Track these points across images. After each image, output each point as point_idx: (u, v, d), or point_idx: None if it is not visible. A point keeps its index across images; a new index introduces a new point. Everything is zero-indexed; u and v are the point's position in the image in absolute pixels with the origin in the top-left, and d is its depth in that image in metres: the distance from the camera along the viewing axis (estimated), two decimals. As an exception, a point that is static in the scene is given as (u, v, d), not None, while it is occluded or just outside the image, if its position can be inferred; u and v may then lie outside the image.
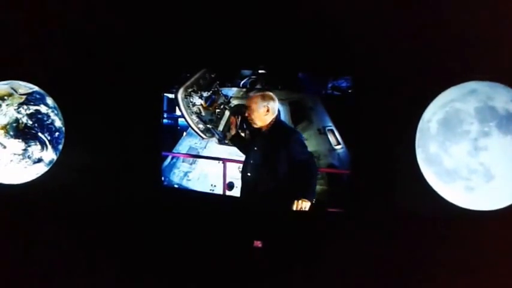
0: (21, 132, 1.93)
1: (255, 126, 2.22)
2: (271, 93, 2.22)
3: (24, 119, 1.94)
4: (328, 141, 2.31)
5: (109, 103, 2.27)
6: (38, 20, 2.14)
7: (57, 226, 2.22)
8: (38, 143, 1.97)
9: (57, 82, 2.14)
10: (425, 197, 1.93)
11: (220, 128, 2.38)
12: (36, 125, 1.96)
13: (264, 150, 2.22)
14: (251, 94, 2.25)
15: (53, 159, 2.05)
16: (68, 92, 2.16)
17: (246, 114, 2.22)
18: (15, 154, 1.94)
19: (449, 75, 1.87)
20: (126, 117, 2.31)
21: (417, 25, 2.05)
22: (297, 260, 2.26)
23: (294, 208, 2.16)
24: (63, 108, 2.10)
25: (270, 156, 2.19)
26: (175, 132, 2.40)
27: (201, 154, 2.40)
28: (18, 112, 1.93)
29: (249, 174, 2.22)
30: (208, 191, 2.33)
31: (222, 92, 2.36)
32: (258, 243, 2.25)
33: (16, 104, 1.94)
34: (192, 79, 2.34)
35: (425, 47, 2.04)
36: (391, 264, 2.14)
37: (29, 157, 1.97)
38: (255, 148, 2.23)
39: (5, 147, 1.91)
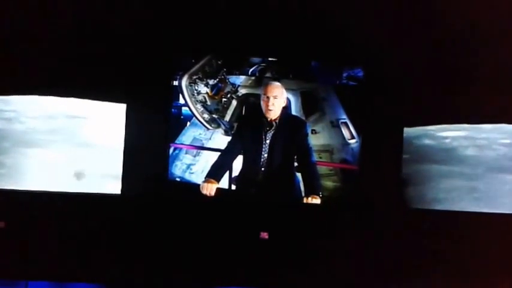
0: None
1: (270, 117, 2.06)
2: None
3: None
4: (342, 134, 2.18)
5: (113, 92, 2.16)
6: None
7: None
8: None
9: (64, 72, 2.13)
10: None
11: (227, 118, 2.23)
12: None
13: (277, 142, 2.07)
14: (273, 82, 2.08)
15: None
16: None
17: (267, 103, 2.03)
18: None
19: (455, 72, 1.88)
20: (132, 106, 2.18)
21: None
22: (305, 253, 2.20)
23: (304, 205, 2.05)
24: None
25: (282, 148, 2.07)
26: (179, 122, 2.24)
27: (205, 146, 2.25)
28: None
29: (261, 167, 2.09)
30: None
31: (229, 80, 2.21)
32: (264, 235, 2.19)
33: None
34: (197, 65, 2.18)
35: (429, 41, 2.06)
36: (400, 258, 2.16)
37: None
38: (267, 140, 2.08)
39: None
